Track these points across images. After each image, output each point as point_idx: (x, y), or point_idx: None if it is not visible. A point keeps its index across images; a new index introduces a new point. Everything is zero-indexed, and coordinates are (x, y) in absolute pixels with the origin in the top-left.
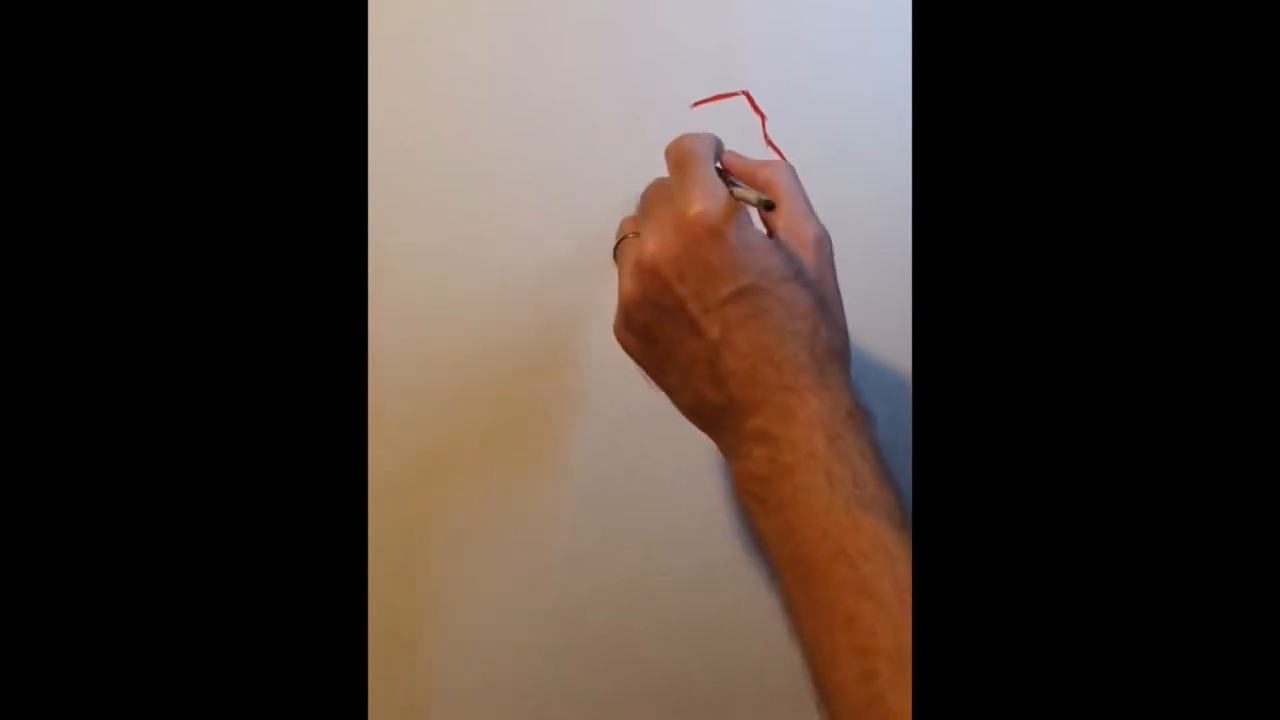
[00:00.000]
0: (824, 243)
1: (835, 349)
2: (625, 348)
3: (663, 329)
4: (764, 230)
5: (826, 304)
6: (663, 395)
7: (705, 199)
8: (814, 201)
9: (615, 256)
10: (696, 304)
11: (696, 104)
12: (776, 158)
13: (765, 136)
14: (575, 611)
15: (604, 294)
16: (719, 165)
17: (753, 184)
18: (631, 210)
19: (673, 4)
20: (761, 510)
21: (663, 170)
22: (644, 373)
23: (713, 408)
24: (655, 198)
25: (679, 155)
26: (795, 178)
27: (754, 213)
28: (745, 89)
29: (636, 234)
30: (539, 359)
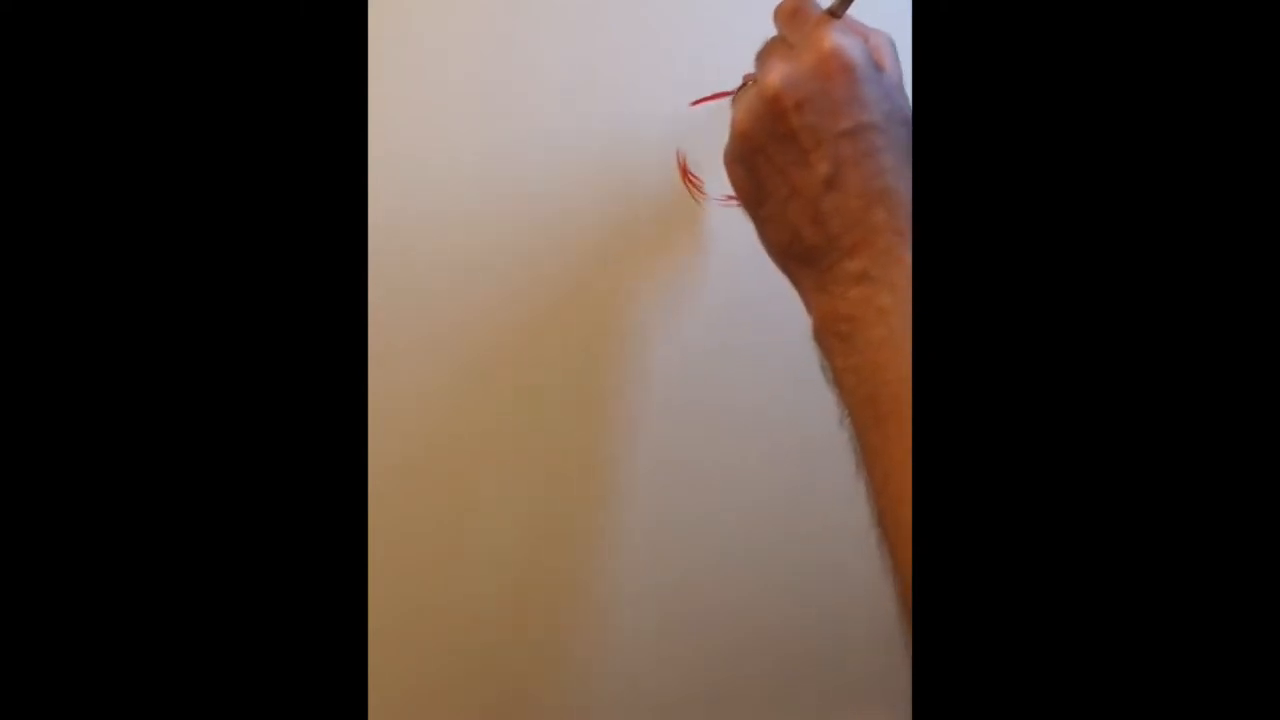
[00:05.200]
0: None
1: None
2: (730, 179)
3: (770, 159)
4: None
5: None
6: (678, 377)
7: (840, 35)
8: None
9: (733, 107)
10: (810, 136)
11: (696, 102)
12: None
13: None
14: (572, 614)
15: (606, 292)
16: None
17: (863, 42)
18: (637, 216)
19: (673, 3)
20: (844, 348)
21: (665, 172)
22: (740, 205)
23: (806, 245)
24: (771, 44)
25: (791, 6)
26: (896, 51)
27: None
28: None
29: (756, 81)
30: (537, 358)
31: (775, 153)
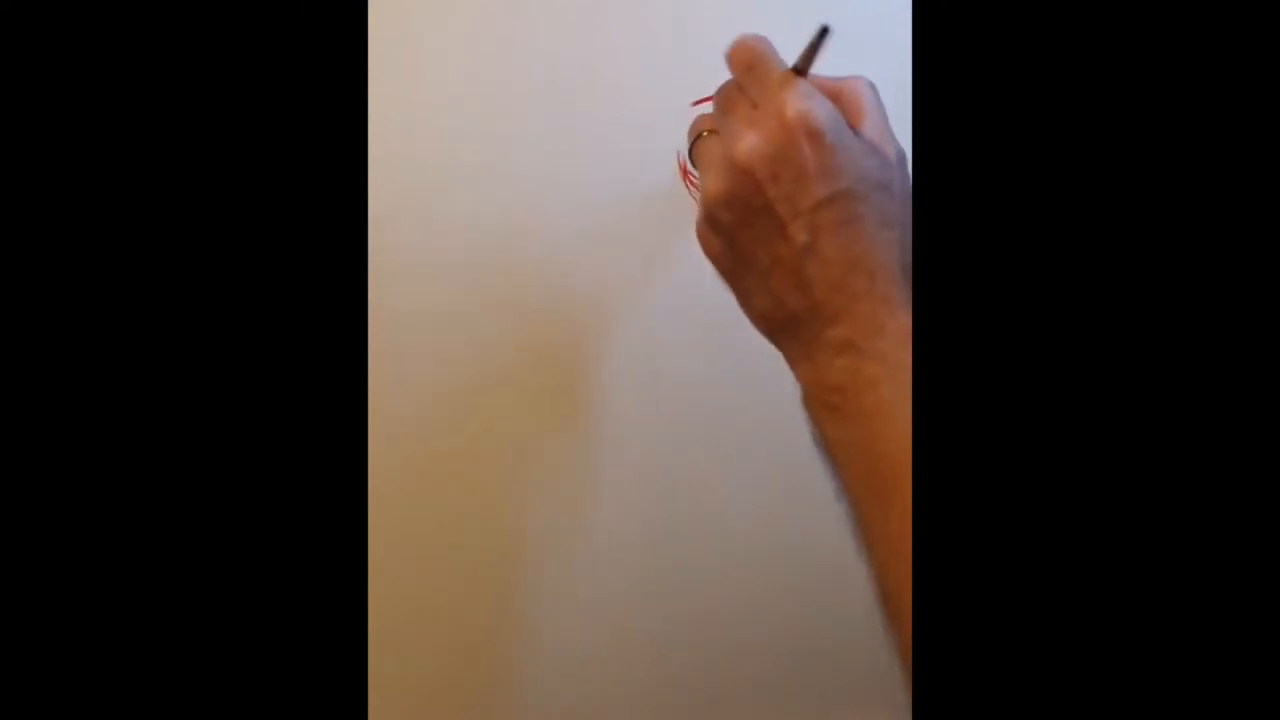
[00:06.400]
0: (904, 160)
1: None
2: (705, 249)
3: (747, 231)
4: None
5: (910, 219)
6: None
7: (804, 99)
8: None
9: (690, 157)
10: (786, 207)
11: (697, 102)
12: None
13: None
14: (573, 614)
15: (606, 292)
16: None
17: (836, 99)
18: (637, 216)
19: (673, 3)
20: (835, 419)
21: (666, 172)
22: (719, 274)
23: (790, 314)
24: (731, 97)
25: (748, 56)
26: (877, 94)
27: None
28: None
29: (713, 131)
30: (536, 358)
31: (752, 224)
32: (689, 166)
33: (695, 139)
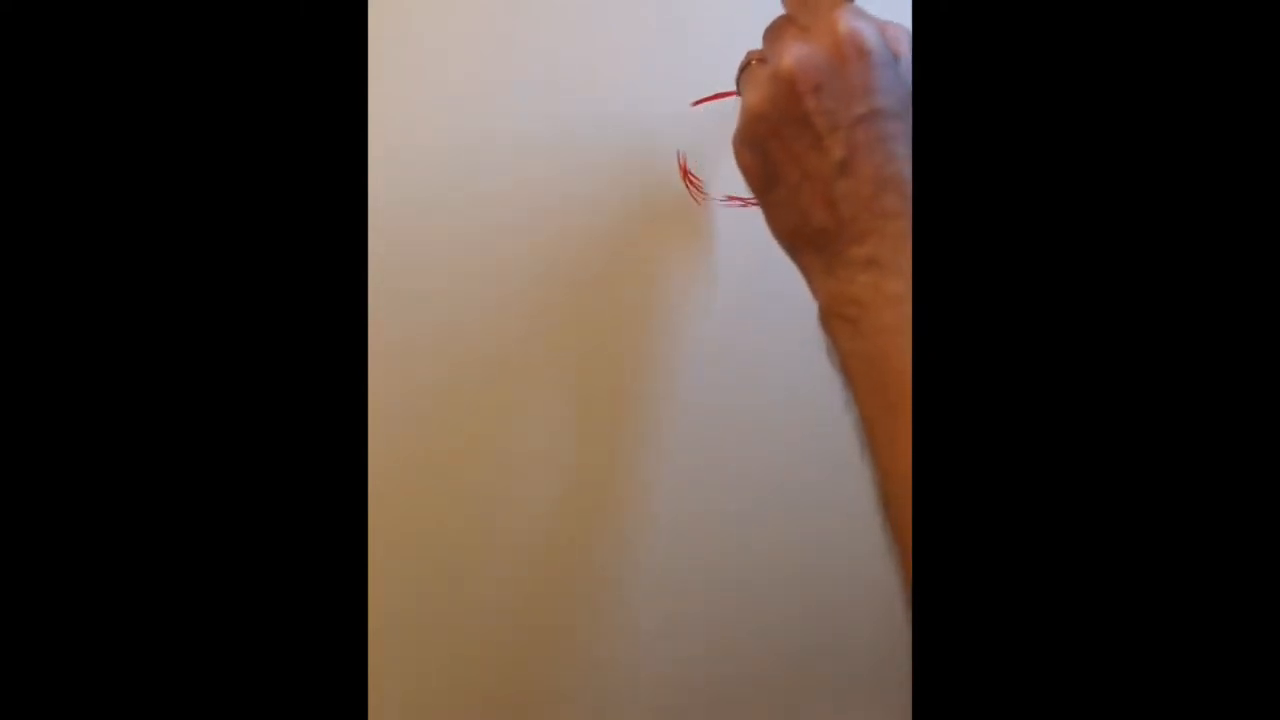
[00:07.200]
0: None
1: None
2: (739, 161)
3: (782, 142)
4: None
5: None
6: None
7: (856, 18)
8: None
9: (737, 86)
10: (825, 120)
11: (697, 102)
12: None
13: None
14: (574, 613)
15: (605, 293)
16: None
17: (880, 31)
18: (638, 216)
19: (674, 3)
20: (851, 332)
21: (666, 172)
22: (749, 187)
23: (816, 229)
24: (780, 26)
25: None
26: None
27: None
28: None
29: (762, 60)
30: (536, 359)
31: (789, 136)
32: (688, 167)
33: (743, 69)
